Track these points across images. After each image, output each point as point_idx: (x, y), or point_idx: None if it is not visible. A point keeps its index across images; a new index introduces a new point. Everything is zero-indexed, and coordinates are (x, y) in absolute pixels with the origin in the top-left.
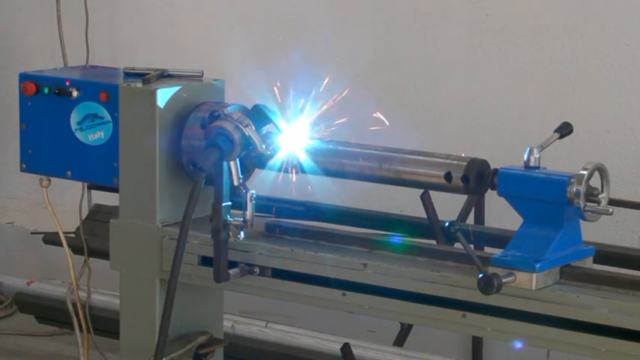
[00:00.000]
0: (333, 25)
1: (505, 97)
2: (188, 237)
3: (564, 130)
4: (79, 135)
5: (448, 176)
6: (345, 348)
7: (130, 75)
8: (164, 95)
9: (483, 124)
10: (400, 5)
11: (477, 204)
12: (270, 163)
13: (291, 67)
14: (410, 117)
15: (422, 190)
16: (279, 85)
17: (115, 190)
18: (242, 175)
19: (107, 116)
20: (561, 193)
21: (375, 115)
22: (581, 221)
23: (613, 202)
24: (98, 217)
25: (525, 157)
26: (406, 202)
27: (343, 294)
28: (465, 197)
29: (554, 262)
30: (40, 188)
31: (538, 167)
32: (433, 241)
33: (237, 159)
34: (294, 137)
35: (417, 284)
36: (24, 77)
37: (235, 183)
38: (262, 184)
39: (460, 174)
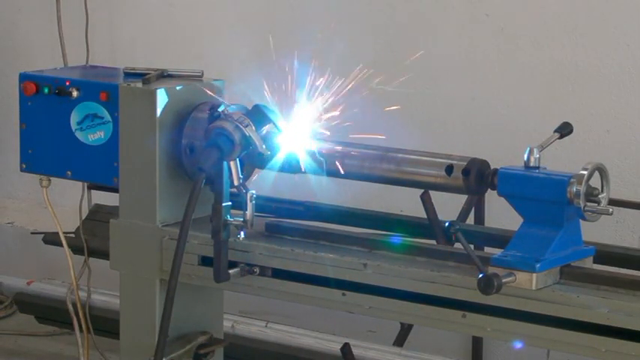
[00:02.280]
0: (332, 25)
1: (505, 97)
2: (188, 237)
3: (564, 130)
4: (79, 135)
5: (449, 169)
6: (345, 348)
7: (130, 75)
8: (164, 95)
9: (483, 124)
10: (400, 5)
11: (477, 204)
12: (270, 163)
13: (291, 67)
14: (410, 117)
15: (422, 190)
16: (278, 85)
17: (115, 190)
18: (242, 175)
19: (107, 116)
20: (561, 193)
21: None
22: (581, 221)
23: (613, 202)
24: (98, 217)
25: (525, 157)
26: (406, 202)
27: (343, 294)
28: (465, 197)
29: (554, 262)
30: (40, 188)
31: (538, 167)
32: (433, 241)
33: (237, 159)
34: (294, 137)
35: (417, 284)
36: (24, 77)
37: (235, 183)
38: (262, 184)
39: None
